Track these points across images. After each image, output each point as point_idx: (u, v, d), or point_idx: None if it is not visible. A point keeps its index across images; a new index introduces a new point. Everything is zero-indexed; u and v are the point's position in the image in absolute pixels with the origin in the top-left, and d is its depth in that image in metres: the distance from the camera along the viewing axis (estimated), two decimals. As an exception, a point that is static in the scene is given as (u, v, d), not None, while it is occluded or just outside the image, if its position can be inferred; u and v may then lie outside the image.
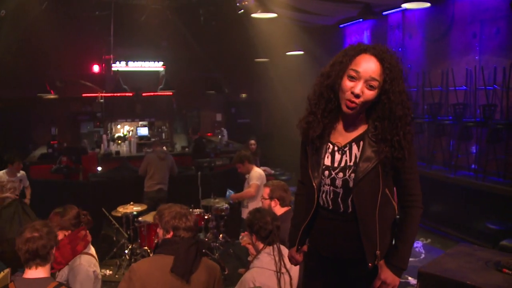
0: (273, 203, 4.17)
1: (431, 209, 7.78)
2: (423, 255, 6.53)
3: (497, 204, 6.44)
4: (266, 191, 4.22)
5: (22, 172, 7.04)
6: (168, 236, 2.77)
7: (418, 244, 6.95)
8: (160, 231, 2.84)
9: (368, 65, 2.04)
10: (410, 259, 6.43)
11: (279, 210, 4.10)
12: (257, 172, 6.21)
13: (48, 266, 2.76)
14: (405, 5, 7.14)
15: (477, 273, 2.64)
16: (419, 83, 8.43)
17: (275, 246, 3.15)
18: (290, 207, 4.11)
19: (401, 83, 2.07)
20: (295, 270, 3.10)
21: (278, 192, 4.15)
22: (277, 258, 3.09)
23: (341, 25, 10.86)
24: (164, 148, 11.18)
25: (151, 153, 7.84)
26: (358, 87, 2.03)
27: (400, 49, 9.12)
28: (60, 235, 3.47)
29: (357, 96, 2.03)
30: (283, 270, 3.06)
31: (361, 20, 9.79)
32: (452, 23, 7.84)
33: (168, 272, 2.60)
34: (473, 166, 7.38)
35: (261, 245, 3.19)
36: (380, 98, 2.06)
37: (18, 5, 8.09)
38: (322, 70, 2.22)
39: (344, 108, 2.08)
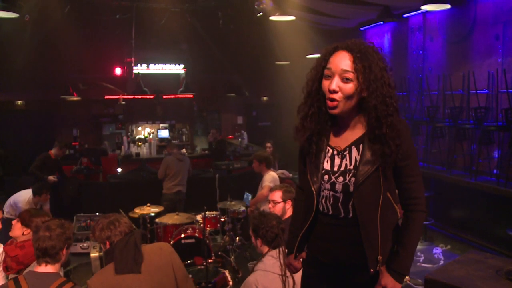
0: (287, 205, 4.16)
1: (451, 214, 7.64)
2: (442, 262, 6.41)
3: (519, 211, 6.29)
4: (278, 194, 4.20)
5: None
6: (107, 247, 2.83)
7: (437, 251, 6.83)
8: (102, 246, 2.91)
9: (339, 60, 2.03)
10: (429, 265, 6.34)
11: (291, 211, 4.09)
12: (270, 175, 6.22)
13: (57, 265, 2.89)
14: (425, 7, 7.03)
15: (486, 282, 2.56)
16: (439, 86, 8.29)
17: (280, 249, 3.13)
18: None
19: (378, 71, 2.01)
20: (298, 274, 3.06)
21: (289, 193, 4.15)
22: (282, 261, 3.06)
23: (362, 28, 10.76)
24: (184, 150, 11.30)
25: (169, 156, 7.88)
26: (333, 83, 2.01)
27: (421, 52, 8.99)
28: (20, 231, 3.64)
29: (334, 91, 2.00)
30: (288, 273, 3.01)
31: (381, 22, 9.67)
32: (474, 25, 7.68)
33: (114, 274, 2.70)
34: (494, 171, 7.20)
35: (266, 249, 3.19)
36: (359, 91, 2.03)
37: (42, 9, 8.27)
38: (307, 78, 2.21)
39: (328, 110, 2.06)
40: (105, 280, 2.70)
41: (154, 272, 2.78)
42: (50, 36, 9.72)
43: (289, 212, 4.12)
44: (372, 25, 10.33)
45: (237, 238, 6.79)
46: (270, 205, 4.23)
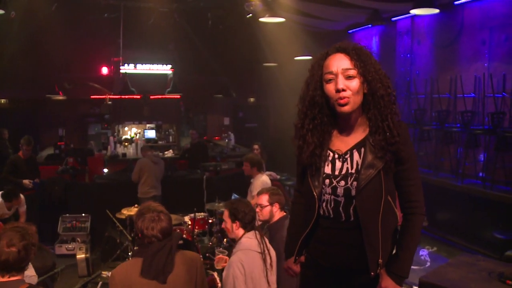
0: (274, 208, 4.13)
1: (437, 217, 7.70)
2: (428, 264, 6.45)
3: (505, 213, 6.36)
4: (265, 198, 4.16)
5: (21, 197, 6.11)
6: (139, 236, 2.79)
7: (423, 253, 6.87)
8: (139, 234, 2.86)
9: (336, 61, 2.05)
10: (415, 267, 6.38)
11: (279, 214, 4.07)
12: (260, 181, 6.12)
13: (23, 273, 2.72)
14: (414, 11, 7.10)
15: (479, 284, 2.59)
16: (427, 90, 8.37)
17: (255, 231, 3.41)
18: (285, 213, 4.10)
19: (374, 62, 2.07)
20: (272, 250, 3.43)
21: (276, 196, 4.12)
22: (259, 240, 3.34)
23: (350, 31, 10.83)
24: (171, 151, 11.22)
25: (144, 158, 7.76)
26: (339, 82, 2.02)
27: (408, 55, 9.07)
28: None
29: (343, 90, 2.01)
30: (266, 250, 3.30)
31: (370, 25, 9.75)
32: (461, 29, 7.78)
33: (138, 274, 2.62)
34: (480, 174, 7.30)
35: (242, 232, 3.41)
36: (363, 87, 2.06)
37: (28, 7, 8.15)
38: (300, 95, 2.22)
39: (339, 109, 2.04)
40: (130, 276, 2.64)
41: (177, 286, 2.70)
42: (36, 34, 9.60)
43: (277, 215, 4.09)
44: (361, 28, 10.41)
45: (225, 239, 6.76)
46: (257, 209, 4.19)
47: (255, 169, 6.24)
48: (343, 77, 2.02)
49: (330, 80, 2.05)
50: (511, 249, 5.25)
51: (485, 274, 2.72)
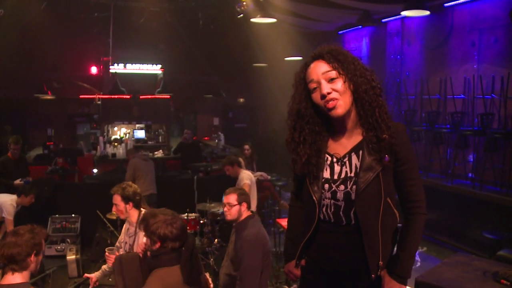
0: (242, 208, 4.16)
1: (427, 217, 7.75)
2: (418, 263, 6.49)
3: (494, 214, 6.43)
4: (233, 197, 4.18)
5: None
6: (156, 246, 2.71)
7: (414, 252, 6.91)
8: (148, 241, 2.77)
9: (315, 69, 2.06)
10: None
11: (246, 213, 4.11)
12: (245, 173, 6.26)
13: (26, 272, 2.69)
14: (405, 13, 7.14)
15: (475, 284, 2.61)
16: (417, 91, 8.43)
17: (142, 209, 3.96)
18: (251, 213, 4.16)
19: (352, 59, 2.07)
20: None
21: (244, 196, 4.15)
22: None
23: (340, 32, 10.87)
24: (161, 151, 11.17)
25: (134, 158, 7.68)
26: (323, 87, 2.02)
27: (398, 56, 9.13)
28: None
29: (328, 94, 2.00)
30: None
31: (360, 27, 9.80)
32: (451, 31, 7.85)
33: (181, 283, 2.62)
34: (470, 175, 7.37)
35: (137, 212, 3.95)
36: (348, 85, 2.05)
37: (17, 5, 8.05)
38: (288, 111, 2.23)
39: (331, 113, 2.03)
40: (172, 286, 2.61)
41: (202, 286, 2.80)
42: (25, 32, 9.49)
43: (244, 214, 4.12)
44: (351, 29, 10.46)
45: (216, 240, 6.75)
46: (225, 208, 4.21)
47: (236, 167, 6.34)
48: (326, 81, 2.02)
49: (315, 88, 2.06)
50: (500, 248, 5.30)
51: (480, 274, 2.75)
